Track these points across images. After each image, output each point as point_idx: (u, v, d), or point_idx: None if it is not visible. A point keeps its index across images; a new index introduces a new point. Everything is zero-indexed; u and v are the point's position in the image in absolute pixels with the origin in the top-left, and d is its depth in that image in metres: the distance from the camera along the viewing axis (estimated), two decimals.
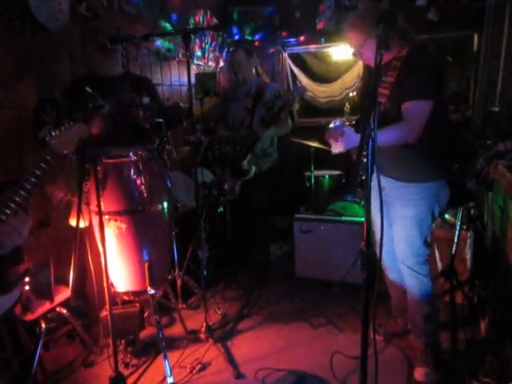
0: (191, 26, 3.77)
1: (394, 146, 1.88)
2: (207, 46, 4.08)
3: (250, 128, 3.08)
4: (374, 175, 1.42)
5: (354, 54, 2.07)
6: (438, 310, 2.17)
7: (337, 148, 1.97)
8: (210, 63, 4.16)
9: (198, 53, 3.98)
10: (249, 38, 4.48)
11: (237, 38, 4.48)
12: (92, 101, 1.87)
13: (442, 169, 2.01)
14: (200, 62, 4.02)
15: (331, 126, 2.00)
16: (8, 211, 1.48)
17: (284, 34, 4.46)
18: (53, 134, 1.61)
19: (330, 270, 3.05)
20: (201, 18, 3.93)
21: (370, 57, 1.85)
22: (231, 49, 4.14)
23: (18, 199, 1.51)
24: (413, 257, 2.04)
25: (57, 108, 1.73)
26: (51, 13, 2.41)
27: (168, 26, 3.52)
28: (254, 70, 3.28)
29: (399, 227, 2.06)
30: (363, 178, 1.85)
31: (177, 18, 3.65)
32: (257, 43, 4.53)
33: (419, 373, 2.06)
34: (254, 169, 3.05)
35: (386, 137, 1.82)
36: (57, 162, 1.64)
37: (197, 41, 3.92)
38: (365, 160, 1.34)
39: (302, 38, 4.42)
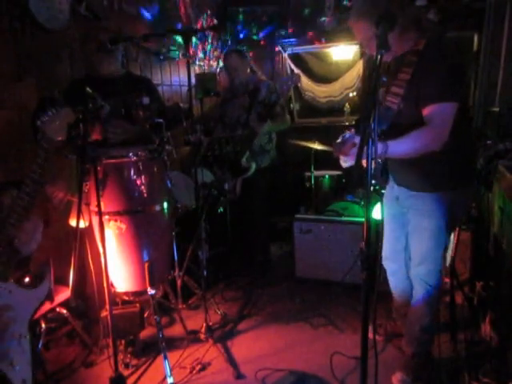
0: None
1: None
2: (209, 46, 4.10)
3: (246, 125, 3.08)
4: (389, 184, 1.35)
5: (361, 46, 1.94)
6: (436, 323, 2.12)
7: (348, 161, 1.79)
8: (212, 62, 4.17)
9: (201, 55, 4.00)
10: (255, 37, 4.47)
11: (241, 36, 4.46)
12: (92, 101, 1.87)
13: (461, 176, 1.84)
14: (201, 63, 4.03)
15: (339, 140, 1.81)
16: (22, 212, 1.54)
17: (290, 30, 4.44)
18: (42, 119, 1.68)
19: (330, 270, 3.05)
20: (203, 22, 3.95)
21: None
22: (232, 47, 4.15)
23: (28, 190, 1.60)
24: (426, 267, 1.95)
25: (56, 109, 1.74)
26: (51, 13, 2.41)
27: (178, 38, 3.54)
28: (248, 70, 3.26)
29: (415, 238, 1.96)
30: (376, 187, 1.57)
31: (181, 27, 3.70)
32: (262, 42, 4.52)
33: (396, 378, 2.03)
34: (253, 166, 3.04)
35: (408, 146, 1.66)
36: (53, 152, 1.69)
37: (199, 45, 3.94)
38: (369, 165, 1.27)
39: (309, 34, 4.39)
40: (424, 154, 1.68)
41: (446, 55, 1.67)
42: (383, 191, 1.36)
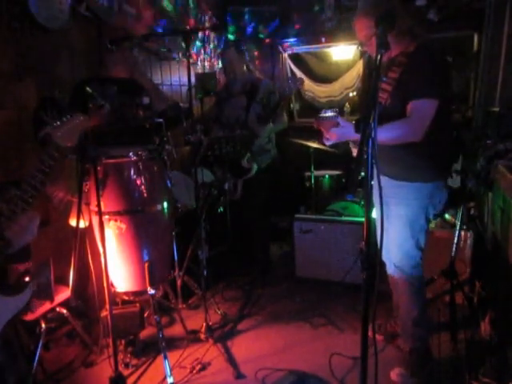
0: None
1: (395, 144, 1.83)
2: (212, 46, 4.10)
3: (245, 125, 3.07)
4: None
5: (361, 45, 2.01)
6: (427, 315, 2.15)
7: (330, 140, 1.93)
8: (213, 61, 4.18)
9: (202, 55, 4.01)
10: (261, 36, 4.47)
11: (244, 35, 4.46)
12: (92, 101, 1.87)
13: (439, 170, 1.98)
14: (204, 63, 4.03)
15: (323, 114, 1.92)
16: (16, 209, 1.50)
17: (290, 30, 4.43)
18: (54, 125, 1.60)
19: (330, 270, 3.05)
20: (205, 23, 3.95)
21: None
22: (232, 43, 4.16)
23: (25, 197, 1.53)
24: (403, 258, 2.02)
25: (57, 108, 1.74)
26: (51, 13, 2.41)
27: (182, 43, 3.57)
28: (244, 68, 3.24)
29: (391, 226, 2.02)
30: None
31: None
32: (267, 40, 4.52)
33: (395, 372, 2.07)
34: (255, 166, 3.03)
35: (387, 134, 1.78)
36: (60, 159, 1.63)
37: (201, 49, 3.96)
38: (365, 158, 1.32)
39: (309, 34, 4.37)
40: (404, 144, 1.81)
41: (431, 56, 1.83)
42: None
